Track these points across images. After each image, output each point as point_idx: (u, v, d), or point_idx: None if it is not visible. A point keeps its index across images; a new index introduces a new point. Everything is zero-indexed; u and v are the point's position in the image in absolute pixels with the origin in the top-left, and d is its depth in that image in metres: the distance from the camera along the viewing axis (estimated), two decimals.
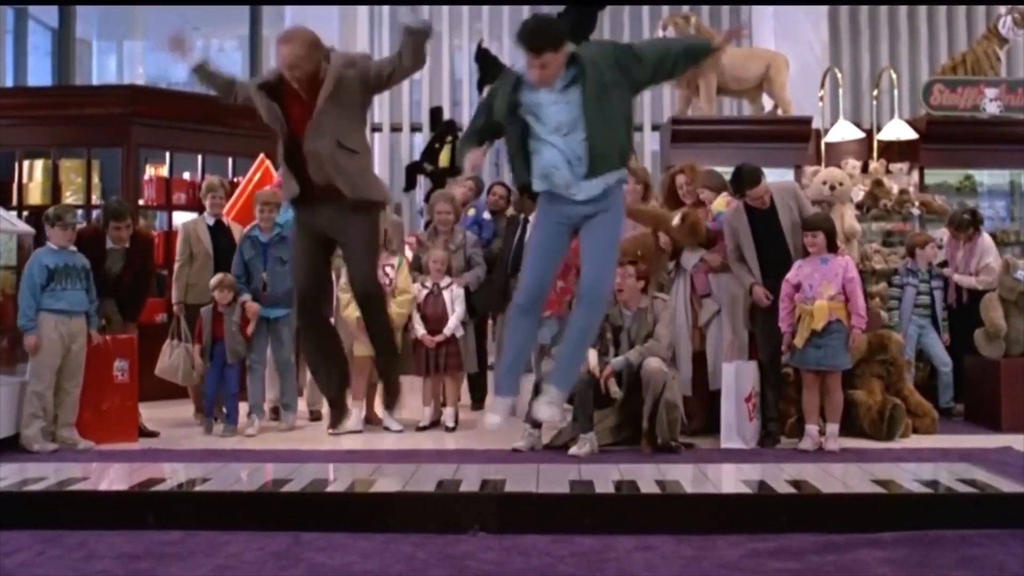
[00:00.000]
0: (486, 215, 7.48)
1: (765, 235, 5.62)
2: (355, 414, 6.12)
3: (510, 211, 8.03)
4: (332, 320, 4.93)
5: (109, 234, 6.12)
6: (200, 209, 6.99)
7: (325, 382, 4.79)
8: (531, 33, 4.16)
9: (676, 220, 5.81)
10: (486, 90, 4.52)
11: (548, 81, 4.19)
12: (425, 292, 6.26)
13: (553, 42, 4.16)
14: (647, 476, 4.30)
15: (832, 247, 5.48)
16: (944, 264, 7.09)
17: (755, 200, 5.60)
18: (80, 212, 7.24)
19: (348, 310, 6.00)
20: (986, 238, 6.98)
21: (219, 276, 6.15)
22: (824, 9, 11.20)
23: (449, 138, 10.99)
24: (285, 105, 4.32)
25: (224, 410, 6.17)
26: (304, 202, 4.43)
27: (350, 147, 4.32)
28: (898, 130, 8.77)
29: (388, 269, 6.12)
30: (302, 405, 6.72)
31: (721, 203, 5.89)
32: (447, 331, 6.22)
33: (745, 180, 5.59)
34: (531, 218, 6.85)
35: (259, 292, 6.20)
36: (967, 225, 6.90)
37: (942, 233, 7.65)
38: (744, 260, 5.67)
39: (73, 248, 5.71)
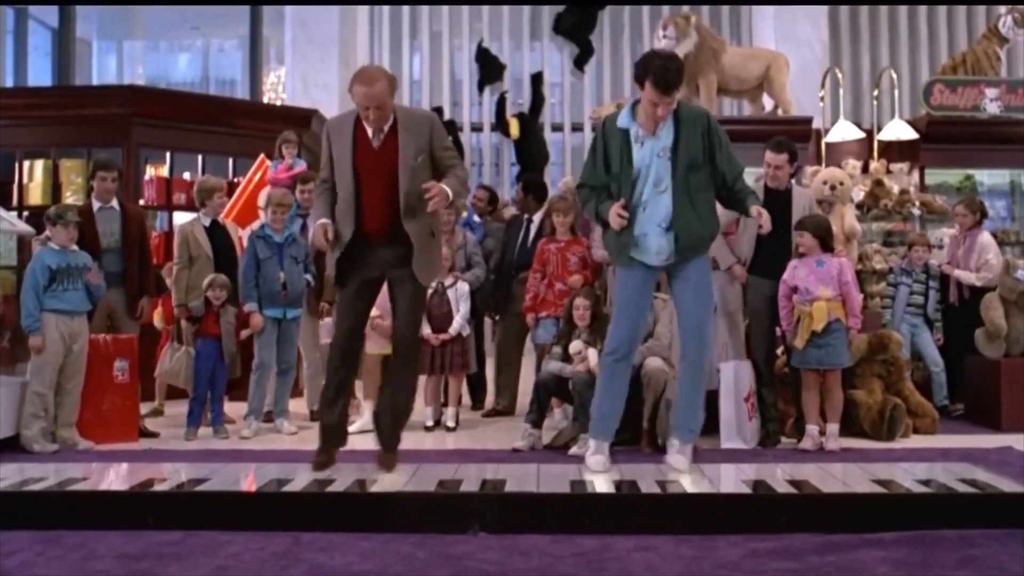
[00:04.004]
0: (475, 217, 7.72)
1: (773, 224, 5.61)
2: (366, 415, 6.11)
3: (510, 212, 8.06)
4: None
5: (94, 188, 6.10)
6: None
7: (334, 412, 4.58)
8: (663, 71, 4.12)
9: None
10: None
11: (661, 120, 4.23)
12: (430, 291, 6.25)
13: (680, 79, 4.17)
14: (647, 476, 4.30)
15: (827, 249, 5.48)
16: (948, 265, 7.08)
17: (772, 169, 5.60)
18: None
19: None
20: (986, 235, 6.97)
21: (212, 277, 6.11)
22: (824, 9, 11.21)
23: (449, 138, 10.99)
24: (355, 147, 4.34)
25: (210, 414, 6.11)
26: (355, 243, 4.40)
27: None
28: (898, 130, 8.78)
29: None
30: (302, 407, 6.72)
31: None
32: (452, 330, 6.22)
33: (770, 142, 5.65)
34: (534, 218, 6.90)
35: (278, 294, 6.11)
36: (976, 208, 6.89)
37: (942, 233, 7.65)
38: (726, 242, 5.67)
39: (75, 248, 5.70)
